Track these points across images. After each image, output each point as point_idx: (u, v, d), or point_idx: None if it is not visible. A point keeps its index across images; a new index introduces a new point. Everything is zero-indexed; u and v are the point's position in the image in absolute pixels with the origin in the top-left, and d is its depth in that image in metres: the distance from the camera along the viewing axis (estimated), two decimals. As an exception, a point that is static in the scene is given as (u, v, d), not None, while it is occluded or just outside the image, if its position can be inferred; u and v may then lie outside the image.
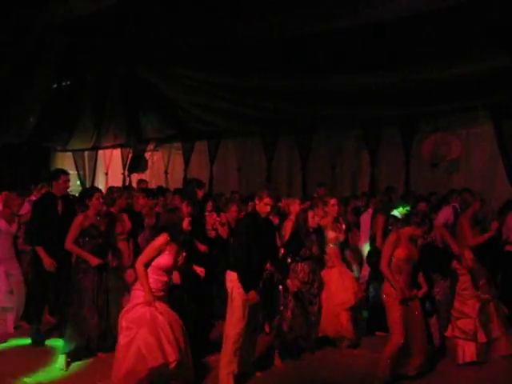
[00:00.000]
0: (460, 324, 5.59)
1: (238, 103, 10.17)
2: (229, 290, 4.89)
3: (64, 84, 10.97)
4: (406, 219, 5.07)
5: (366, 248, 7.20)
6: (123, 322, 4.43)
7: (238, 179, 12.41)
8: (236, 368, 4.80)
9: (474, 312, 5.55)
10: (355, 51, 7.33)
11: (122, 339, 4.38)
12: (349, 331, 5.89)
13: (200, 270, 5.24)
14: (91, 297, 5.35)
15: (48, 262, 5.73)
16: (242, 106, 10.23)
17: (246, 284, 4.76)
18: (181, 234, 4.67)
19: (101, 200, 5.60)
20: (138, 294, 4.49)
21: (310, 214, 5.78)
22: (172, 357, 4.28)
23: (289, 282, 5.54)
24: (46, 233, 5.81)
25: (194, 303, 5.66)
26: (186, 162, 13.45)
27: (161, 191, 10.17)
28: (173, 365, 4.28)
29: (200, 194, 6.26)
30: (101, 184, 15.30)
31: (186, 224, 4.77)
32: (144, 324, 4.34)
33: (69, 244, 5.42)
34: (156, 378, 4.35)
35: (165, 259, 4.53)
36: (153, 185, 12.89)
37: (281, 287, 5.72)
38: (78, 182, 15.50)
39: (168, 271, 4.63)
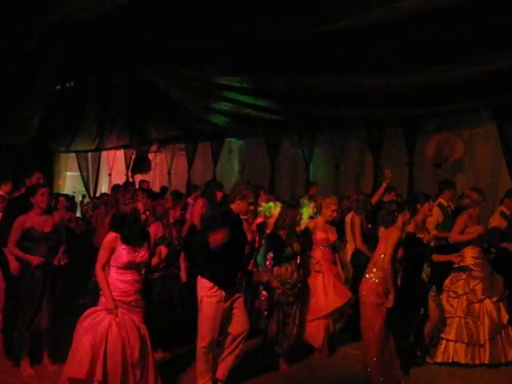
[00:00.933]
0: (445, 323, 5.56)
1: (240, 104, 10.18)
2: (198, 299, 4.72)
3: (67, 85, 10.99)
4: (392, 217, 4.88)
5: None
6: (78, 328, 4.18)
7: (241, 179, 12.41)
8: (212, 376, 4.71)
9: (460, 311, 5.50)
10: (357, 52, 7.32)
11: (73, 345, 4.16)
12: (315, 340, 5.75)
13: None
14: (37, 299, 5.10)
15: (14, 265, 5.32)
16: (245, 107, 10.23)
17: (221, 284, 4.64)
18: (131, 230, 4.27)
19: (46, 196, 5.17)
20: (102, 300, 4.23)
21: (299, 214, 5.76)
22: (99, 377, 3.97)
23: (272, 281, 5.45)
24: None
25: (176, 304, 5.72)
26: (190, 163, 13.46)
27: (162, 192, 10.22)
28: None
29: (219, 195, 6.24)
30: (104, 185, 15.35)
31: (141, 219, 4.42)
32: (91, 332, 4.06)
33: (10, 247, 5.13)
34: None
35: (121, 256, 4.22)
36: (156, 186, 12.94)
37: (263, 293, 5.66)
38: (82, 184, 15.58)
39: (132, 267, 4.28)
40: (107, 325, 4.11)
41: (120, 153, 15.06)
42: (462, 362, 5.45)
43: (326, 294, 5.75)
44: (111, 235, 4.28)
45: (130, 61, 9.63)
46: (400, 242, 4.65)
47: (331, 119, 10.30)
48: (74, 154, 15.49)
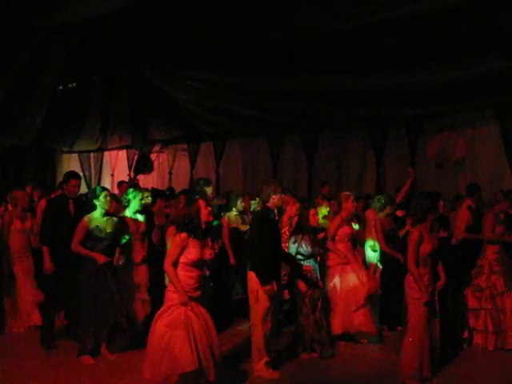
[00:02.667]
0: (472, 315, 5.96)
1: (243, 104, 10.20)
2: (253, 292, 5.05)
3: (70, 86, 11.01)
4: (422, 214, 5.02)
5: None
6: (157, 325, 4.37)
7: (243, 180, 12.44)
8: (268, 358, 5.05)
9: (486, 303, 5.88)
10: (360, 51, 7.34)
11: (156, 341, 4.32)
12: (367, 326, 5.96)
13: None
14: (102, 296, 5.40)
15: (48, 265, 5.75)
16: (248, 107, 10.25)
17: (264, 277, 4.94)
18: (198, 227, 4.53)
19: (108, 198, 5.61)
20: (171, 296, 4.42)
21: (311, 212, 5.86)
22: (202, 363, 4.26)
23: (300, 284, 5.65)
24: (57, 233, 5.82)
25: None
26: (192, 163, 13.48)
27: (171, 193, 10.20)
28: (199, 370, 4.25)
29: (209, 191, 6.32)
30: (107, 185, 15.33)
31: (205, 215, 4.61)
32: (179, 326, 4.28)
33: (75, 246, 5.46)
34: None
35: (190, 253, 4.44)
36: (159, 186, 12.94)
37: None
38: (84, 184, 15.57)
39: (197, 265, 4.51)
40: (186, 316, 4.34)
41: (122, 153, 15.05)
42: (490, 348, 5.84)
43: (360, 281, 6.04)
44: (182, 235, 4.48)
45: (132, 62, 9.65)
46: (419, 242, 4.83)
47: (333, 119, 10.33)
48: (76, 155, 15.47)
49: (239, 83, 9.25)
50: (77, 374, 5.20)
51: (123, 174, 14.81)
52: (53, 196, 7.56)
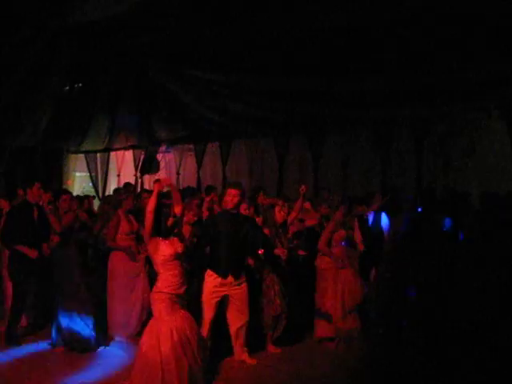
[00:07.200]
0: None
1: (249, 104, 10.19)
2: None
3: (76, 86, 11.04)
4: None
5: None
6: (143, 336, 4.75)
7: (250, 180, 12.45)
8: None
9: None
10: (366, 51, 7.33)
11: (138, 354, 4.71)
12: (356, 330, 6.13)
13: None
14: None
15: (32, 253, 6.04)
16: (254, 108, 10.25)
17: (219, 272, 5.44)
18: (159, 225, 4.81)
19: (68, 201, 6.30)
20: (156, 307, 4.70)
21: (277, 209, 6.12)
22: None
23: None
24: (21, 238, 6.07)
25: None
26: (199, 164, 13.50)
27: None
28: None
29: (194, 203, 6.73)
30: (113, 186, 15.38)
31: (177, 210, 4.91)
32: (153, 345, 4.55)
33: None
34: None
35: (164, 251, 4.72)
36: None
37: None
38: (91, 184, 15.62)
39: (177, 259, 4.77)
40: (164, 333, 4.58)
41: (129, 153, 15.09)
42: None
43: (352, 288, 6.17)
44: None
45: (139, 62, 9.68)
46: None
47: (339, 120, 10.31)
48: (82, 155, 15.52)
49: (246, 83, 9.25)
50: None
51: (129, 174, 14.86)
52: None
